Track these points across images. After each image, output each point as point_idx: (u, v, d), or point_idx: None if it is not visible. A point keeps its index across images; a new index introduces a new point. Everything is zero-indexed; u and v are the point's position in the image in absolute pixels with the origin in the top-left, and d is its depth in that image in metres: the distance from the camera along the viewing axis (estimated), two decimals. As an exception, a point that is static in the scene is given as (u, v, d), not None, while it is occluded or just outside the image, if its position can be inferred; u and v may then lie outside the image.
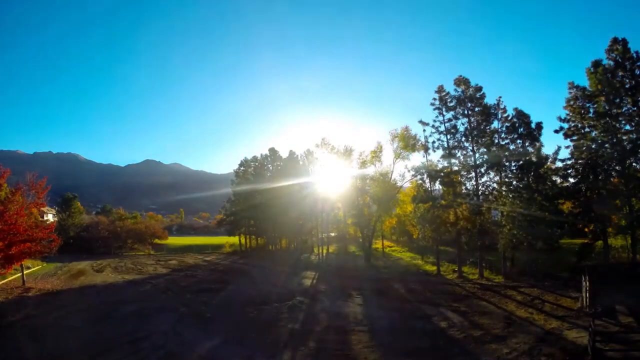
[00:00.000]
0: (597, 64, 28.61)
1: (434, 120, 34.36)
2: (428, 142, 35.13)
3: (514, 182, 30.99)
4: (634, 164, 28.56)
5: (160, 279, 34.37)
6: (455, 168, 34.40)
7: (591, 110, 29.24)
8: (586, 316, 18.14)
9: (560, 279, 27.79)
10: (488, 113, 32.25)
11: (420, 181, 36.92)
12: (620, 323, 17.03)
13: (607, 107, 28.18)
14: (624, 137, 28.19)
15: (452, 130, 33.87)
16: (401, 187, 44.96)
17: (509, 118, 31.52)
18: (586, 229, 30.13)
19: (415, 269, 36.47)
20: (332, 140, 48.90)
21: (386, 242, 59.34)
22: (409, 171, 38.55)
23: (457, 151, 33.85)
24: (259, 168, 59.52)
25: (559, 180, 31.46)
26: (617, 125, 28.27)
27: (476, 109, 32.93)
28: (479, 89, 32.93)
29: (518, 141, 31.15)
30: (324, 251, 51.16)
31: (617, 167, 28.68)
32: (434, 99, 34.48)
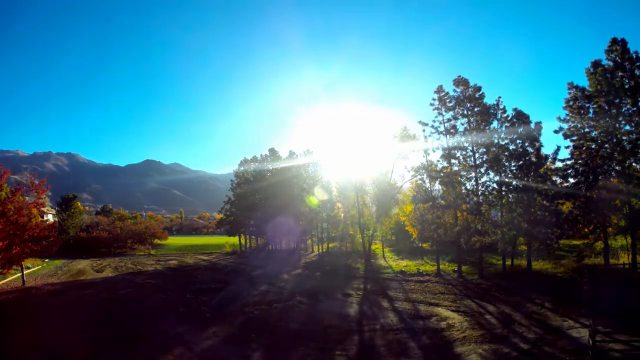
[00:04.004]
0: (596, 64, 28.64)
1: (434, 121, 34.37)
2: (427, 142, 35.15)
3: (514, 182, 30.99)
4: (634, 164, 28.59)
5: (160, 279, 34.37)
6: (455, 168, 34.40)
7: (591, 111, 29.27)
8: (586, 316, 18.13)
9: (560, 279, 27.80)
10: (487, 113, 32.23)
11: (420, 181, 36.91)
12: (619, 323, 17.03)
13: (606, 108, 28.21)
14: (624, 138, 28.22)
15: (452, 131, 33.87)
16: (401, 187, 44.92)
17: (509, 118, 31.53)
18: (586, 229, 30.12)
19: (414, 269, 36.45)
20: (333, 140, 48.88)
21: (386, 243, 59.29)
22: (408, 171, 38.45)
23: (456, 151, 33.84)
24: (258, 168, 59.48)
25: (558, 180, 31.47)
26: (617, 125, 28.30)
27: (475, 109, 32.89)
28: (478, 89, 32.92)
29: (518, 141, 31.15)
30: (325, 250, 51.17)
31: (617, 167, 28.70)
32: (433, 99, 34.48)
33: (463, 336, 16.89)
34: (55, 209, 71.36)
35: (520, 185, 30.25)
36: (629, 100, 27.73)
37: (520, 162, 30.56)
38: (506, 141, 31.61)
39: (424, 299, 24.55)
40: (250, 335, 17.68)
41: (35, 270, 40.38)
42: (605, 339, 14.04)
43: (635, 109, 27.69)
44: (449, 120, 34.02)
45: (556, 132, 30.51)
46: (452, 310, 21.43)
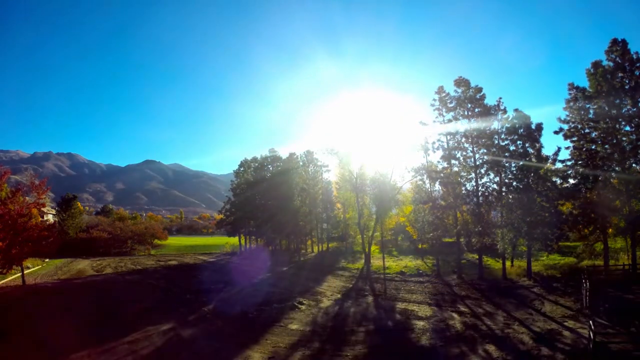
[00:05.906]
0: (597, 65, 28.60)
1: (434, 121, 34.33)
2: (428, 143, 35.09)
3: (514, 183, 30.96)
4: (634, 164, 28.57)
5: (160, 280, 34.38)
6: (455, 169, 34.36)
7: (591, 112, 29.23)
8: (585, 317, 18.13)
9: (559, 280, 27.81)
10: (488, 114, 32.20)
11: (420, 182, 36.85)
12: (619, 324, 17.03)
13: (606, 108, 28.18)
14: (624, 138, 28.21)
15: (452, 131, 33.84)
16: (401, 187, 44.86)
17: (509, 119, 31.49)
18: (586, 230, 30.09)
19: (414, 270, 36.44)
20: (332, 140, 48.78)
21: (386, 243, 59.26)
22: (409, 172, 38.31)
23: (457, 152, 33.80)
24: (258, 169, 59.47)
25: (559, 181, 31.42)
26: (617, 126, 28.28)
27: (476, 109, 32.84)
28: (479, 89, 32.87)
29: (518, 142, 31.11)
30: (325, 251, 51.16)
31: (617, 168, 28.69)
32: (434, 99, 34.45)
33: (462, 337, 16.90)
34: (55, 209, 71.40)
35: (521, 186, 30.22)
36: (629, 101, 27.71)
37: (521, 163, 30.51)
38: (507, 142, 31.59)
39: (423, 300, 24.56)
40: (250, 335, 17.69)
41: (35, 270, 40.38)
42: (604, 340, 14.05)
43: (635, 109, 27.67)
44: (449, 120, 33.98)
45: (556, 132, 30.45)
46: (452, 311, 21.44)
